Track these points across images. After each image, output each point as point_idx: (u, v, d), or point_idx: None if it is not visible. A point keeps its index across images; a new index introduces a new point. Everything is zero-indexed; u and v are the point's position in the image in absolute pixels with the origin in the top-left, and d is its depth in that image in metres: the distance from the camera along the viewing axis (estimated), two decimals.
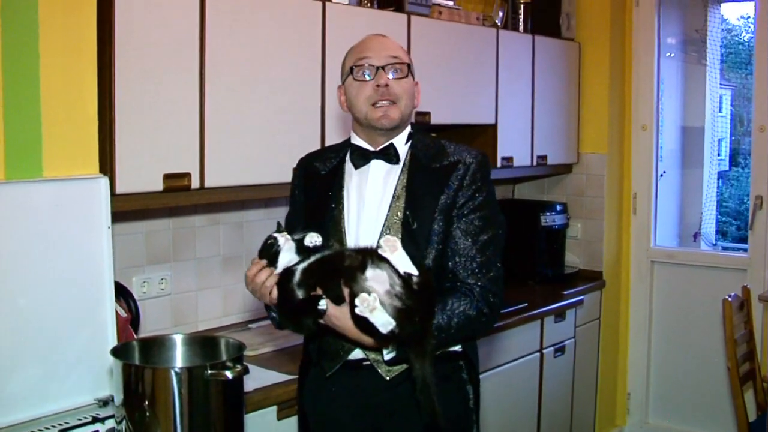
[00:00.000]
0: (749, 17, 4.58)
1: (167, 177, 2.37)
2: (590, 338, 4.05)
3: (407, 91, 1.96)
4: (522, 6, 3.82)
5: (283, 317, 1.88)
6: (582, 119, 4.21)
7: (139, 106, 2.29)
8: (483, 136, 3.62)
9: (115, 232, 2.23)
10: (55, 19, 2.07)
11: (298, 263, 1.80)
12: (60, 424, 2.00)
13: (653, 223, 4.32)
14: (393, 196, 1.94)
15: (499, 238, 1.95)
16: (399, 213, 1.92)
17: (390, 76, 1.93)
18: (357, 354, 1.91)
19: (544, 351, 3.59)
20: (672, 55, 4.46)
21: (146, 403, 1.78)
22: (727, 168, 4.73)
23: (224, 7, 2.48)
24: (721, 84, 4.49)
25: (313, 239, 1.81)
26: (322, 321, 1.80)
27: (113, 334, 2.18)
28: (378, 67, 1.93)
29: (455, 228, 1.91)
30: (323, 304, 1.76)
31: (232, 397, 1.87)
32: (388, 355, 1.84)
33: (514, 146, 3.74)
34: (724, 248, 4.51)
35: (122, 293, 2.48)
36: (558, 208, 4.07)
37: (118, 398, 1.83)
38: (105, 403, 2.10)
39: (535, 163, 3.90)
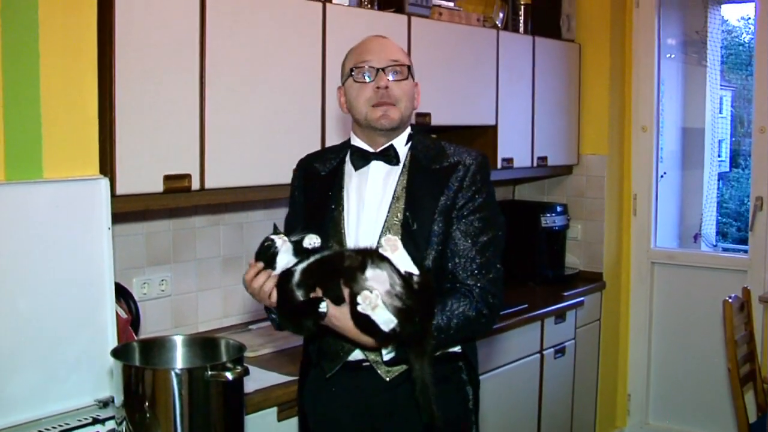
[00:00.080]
0: (749, 18, 4.58)
1: (167, 178, 2.37)
2: (590, 339, 4.05)
3: (407, 93, 1.96)
4: (522, 7, 3.82)
5: (283, 318, 1.87)
6: (582, 120, 4.20)
7: (140, 106, 2.29)
8: (483, 137, 3.62)
9: (115, 233, 2.23)
10: (55, 19, 2.07)
11: (296, 264, 1.80)
12: (60, 426, 2.00)
13: (653, 224, 4.31)
14: (393, 197, 1.94)
15: (499, 240, 1.95)
16: (399, 214, 1.92)
17: (390, 78, 1.93)
18: (357, 355, 1.91)
19: (544, 352, 3.59)
20: (672, 56, 4.46)
21: (146, 404, 1.77)
22: (728, 169, 4.73)
23: (224, 8, 2.48)
24: (721, 85, 4.49)
25: (311, 241, 1.80)
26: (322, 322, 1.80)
27: (113, 335, 2.18)
28: (378, 69, 1.93)
29: (455, 229, 1.91)
30: (324, 306, 1.76)
31: (232, 399, 1.86)
32: (387, 356, 1.84)
33: (514, 147, 3.74)
34: (725, 249, 4.51)
35: (122, 294, 2.48)
36: (558, 209, 4.07)
37: (119, 399, 1.82)
38: (105, 404, 2.10)
39: (535, 165, 3.90)
